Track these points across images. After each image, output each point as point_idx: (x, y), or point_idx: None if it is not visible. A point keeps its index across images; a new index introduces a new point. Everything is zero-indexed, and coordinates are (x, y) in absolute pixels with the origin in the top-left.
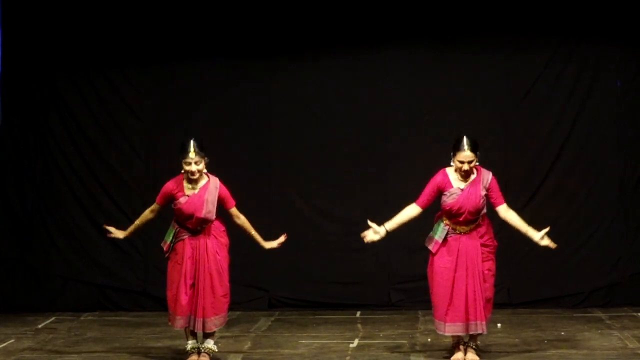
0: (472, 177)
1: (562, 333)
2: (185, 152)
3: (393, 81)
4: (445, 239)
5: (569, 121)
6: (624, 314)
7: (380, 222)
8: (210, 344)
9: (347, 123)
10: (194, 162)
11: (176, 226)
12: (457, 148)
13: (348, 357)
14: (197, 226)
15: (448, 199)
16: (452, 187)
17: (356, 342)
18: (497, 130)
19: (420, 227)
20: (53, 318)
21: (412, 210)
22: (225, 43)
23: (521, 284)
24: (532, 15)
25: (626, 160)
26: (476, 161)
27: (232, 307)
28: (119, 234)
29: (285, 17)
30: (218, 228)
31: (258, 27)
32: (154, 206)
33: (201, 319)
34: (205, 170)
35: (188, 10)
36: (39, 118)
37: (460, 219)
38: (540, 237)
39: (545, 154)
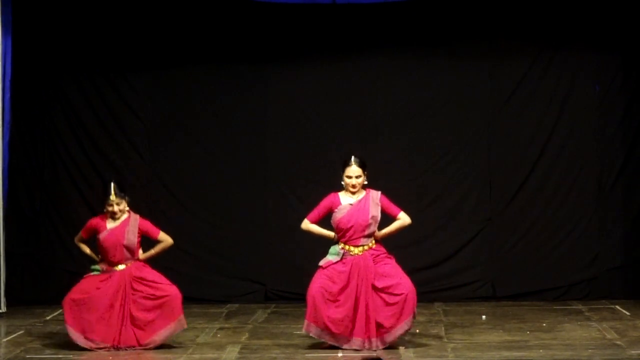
0: (361, 195)
1: (544, 324)
2: (107, 195)
3: (383, 86)
4: (339, 261)
5: (550, 123)
6: (602, 306)
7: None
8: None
9: (339, 125)
10: (115, 203)
11: (102, 267)
12: (345, 164)
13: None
14: (120, 258)
15: (338, 214)
16: (341, 204)
17: None
18: (481, 133)
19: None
20: (60, 310)
21: (306, 225)
22: (223, 49)
23: (505, 278)
24: (514, 23)
25: (604, 161)
26: (364, 179)
27: (230, 300)
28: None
29: (281, 26)
30: (143, 265)
31: (255, 34)
32: (80, 238)
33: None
34: (127, 208)
35: (188, 17)
36: (47, 121)
37: (351, 233)
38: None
39: (528, 155)
